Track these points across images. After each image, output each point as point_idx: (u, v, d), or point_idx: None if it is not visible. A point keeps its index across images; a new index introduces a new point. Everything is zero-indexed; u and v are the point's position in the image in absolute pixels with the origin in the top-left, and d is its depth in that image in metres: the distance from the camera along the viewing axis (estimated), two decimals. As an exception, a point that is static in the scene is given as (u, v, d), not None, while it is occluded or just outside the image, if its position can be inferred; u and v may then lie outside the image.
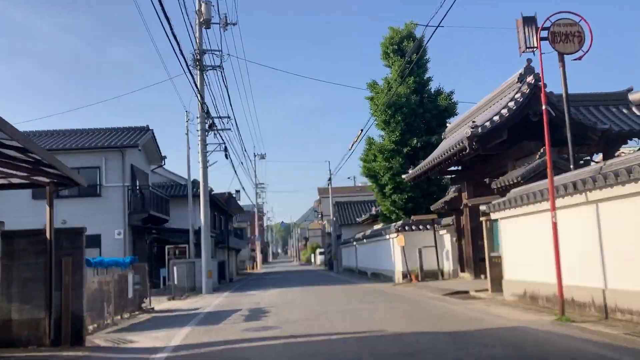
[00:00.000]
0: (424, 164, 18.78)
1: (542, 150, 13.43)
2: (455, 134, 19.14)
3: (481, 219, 13.86)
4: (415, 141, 23.97)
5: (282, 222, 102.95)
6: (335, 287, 21.42)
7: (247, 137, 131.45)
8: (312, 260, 65.15)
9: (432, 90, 25.85)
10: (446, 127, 22.15)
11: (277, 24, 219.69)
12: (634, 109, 15.43)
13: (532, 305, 10.63)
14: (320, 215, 60.03)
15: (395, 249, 22.21)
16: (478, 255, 18.39)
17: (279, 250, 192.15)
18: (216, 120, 24.10)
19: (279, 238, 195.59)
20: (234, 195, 49.50)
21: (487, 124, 14.00)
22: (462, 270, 19.80)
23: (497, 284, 13.42)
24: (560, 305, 8.43)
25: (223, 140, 23.59)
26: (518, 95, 14.21)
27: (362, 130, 21.78)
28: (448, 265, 20.64)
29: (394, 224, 22.43)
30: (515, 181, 13.31)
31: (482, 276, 18.07)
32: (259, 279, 36.08)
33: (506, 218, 11.97)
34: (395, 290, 18.08)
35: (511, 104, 14.14)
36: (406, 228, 21.27)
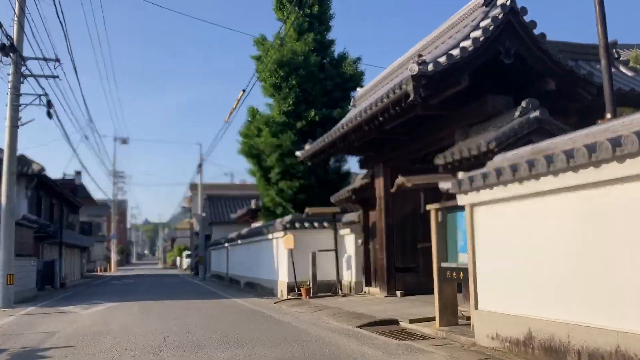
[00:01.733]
0: (329, 135, 13.41)
1: (524, 104, 8.65)
2: (371, 98, 14.02)
3: (429, 207, 8.69)
4: (312, 114, 18.53)
5: (146, 219, 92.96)
6: (193, 303, 15.33)
7: (105, 114, 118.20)
8: (178, 263, 57.63)
9: (336, 54, 20.66)
10: (350, 100, 17.08)
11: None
12: (622, 68, 11.33)
13: (557, 367, 5.58)
14: (190, 213, 52.92)
15: (280, 252, 16.63)
16: (394, 264, 13.43)
17: (146, 252, 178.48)
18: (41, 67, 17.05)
19: (146, 238, 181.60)
20: (73, 179, 40.93)
21: (442, 59, 8.91)
22: (369, 283, 14.74)
23: (449, 313, 8.35)
24: None
25: (45, 91, 16.42)
26: (486, 22, 9.32)
27: (243, 90, 15.92)
28: (349, 275, 15.47)
29: (280, 219, 16.88)
30: (483, 150, 8.36)
31: (398, 293, 13.17)
32: (103, 284, 28.64)
33: (491, 203, 6.86)
34: (280, 312, 12.44)
35: (476, 33, 9.21)
36: (297, 225, 15.77)
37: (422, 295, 12.72)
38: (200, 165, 30.45)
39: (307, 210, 14.91)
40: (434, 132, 11.25)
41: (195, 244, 45.07)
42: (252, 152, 19.67)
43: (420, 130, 11.74)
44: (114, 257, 53.20)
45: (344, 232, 15.64)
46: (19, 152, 18.26)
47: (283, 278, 16.20)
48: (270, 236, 17.60)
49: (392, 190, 11.54)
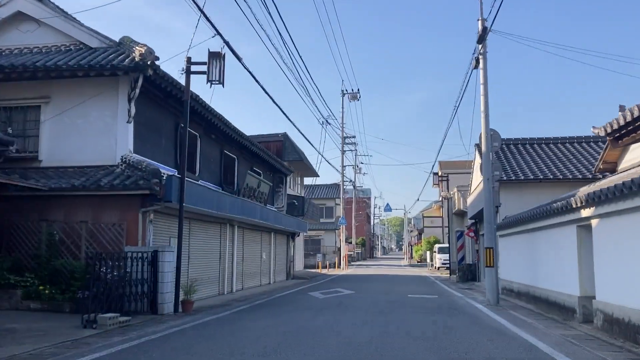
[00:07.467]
0: None
1: None
2: None
3: None
4: None
5: (387, 204, 79.59)
6: None
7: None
8: (428, 260, 41.76)
9: None
10: None
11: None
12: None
13: None
14: (440, 189, 36.54)
15: None
16: None
17: (392, 246, 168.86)
18: None
19: (393, 233, 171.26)
20: (278, 134, 28.03)
21: None
22: None
23: None
24: None
25: None
26: None
27: None
28: None
29: None
30: None
31: None
32: (282, 304, 14.00)
33: None
34: None
35: None
36: None
37: None
38: (482, 36, 13.27)
39: None
40: None
41: (455, 231, 28.48)
42: None
43: None
44: (344, 249, 39.63)
45: None
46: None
47: None
48: None
49: None
